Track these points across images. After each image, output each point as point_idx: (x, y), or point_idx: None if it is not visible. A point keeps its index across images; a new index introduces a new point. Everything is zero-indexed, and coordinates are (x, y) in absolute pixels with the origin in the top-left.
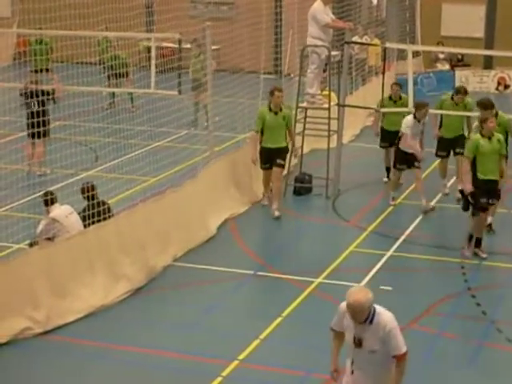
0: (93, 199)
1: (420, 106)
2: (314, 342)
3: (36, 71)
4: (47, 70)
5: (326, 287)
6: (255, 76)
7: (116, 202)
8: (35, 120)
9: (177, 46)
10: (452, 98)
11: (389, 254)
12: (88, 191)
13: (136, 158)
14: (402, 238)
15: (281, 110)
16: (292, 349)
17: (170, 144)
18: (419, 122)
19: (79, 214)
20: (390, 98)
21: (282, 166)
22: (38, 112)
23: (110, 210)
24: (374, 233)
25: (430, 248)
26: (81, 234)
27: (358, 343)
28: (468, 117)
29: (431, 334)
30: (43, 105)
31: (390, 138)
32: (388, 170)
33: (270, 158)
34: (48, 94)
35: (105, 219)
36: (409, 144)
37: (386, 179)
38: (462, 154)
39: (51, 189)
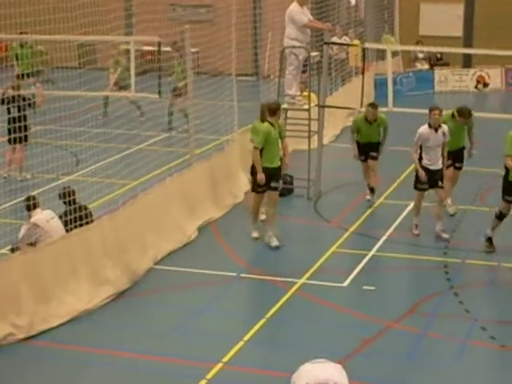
0: (74, 204)
1: (431, 110)
2: (298, 342)
3: (22, 76)
4: (33, 75)
5: (309, 288)
6: (234, 78)
7: (98, 206)
8: (14, 125)
9: (156, 48)
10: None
11: (371, 253)
12: (69, 196)
13: (116, 162)
14: (384, 237)
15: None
16: (276, 350)
17: (150, 147)
18: (436, 131)
19: (60, 217)
20: (366, 119)
21: (278, 189)
22: (17, 117)
23: (91, 215)
24: (355, 233)
25: (412, 247)
26: (63, 238)
27: None
28: (470, 129)
29: (415, 333)
30: (23, 110)
31: (364, 150)
32: (371, 188)
33: (268, 179)
34: (27, 99)
35: (87, 223)
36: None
37: (368, 197)
38: (461, 168)
39: (33, 194)
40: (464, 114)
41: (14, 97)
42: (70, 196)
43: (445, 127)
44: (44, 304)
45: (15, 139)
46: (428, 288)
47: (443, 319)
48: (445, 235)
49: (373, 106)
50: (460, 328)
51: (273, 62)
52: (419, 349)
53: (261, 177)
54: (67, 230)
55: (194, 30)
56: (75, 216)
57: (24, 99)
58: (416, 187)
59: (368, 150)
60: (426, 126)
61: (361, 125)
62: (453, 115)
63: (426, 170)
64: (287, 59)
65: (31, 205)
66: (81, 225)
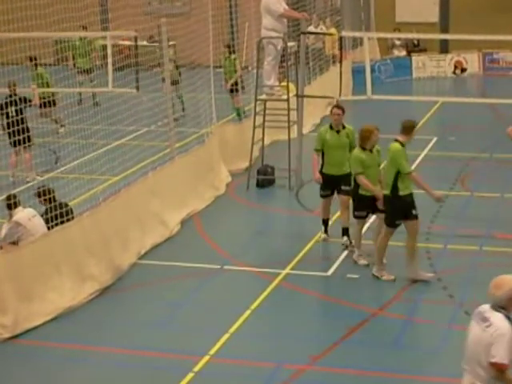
0: (50, 202)
1: None
2: (284, 333)
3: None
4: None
5: (293, 278)
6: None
7: (79, 203)
8: (15, 128)
9: (133, 43)
10: None
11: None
12: (44, 195)
13: (97, 158)
14: (367, 225)
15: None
16: (262, 341)
17: (130, 142)
18: None
19: (42, 215)
20: (331, 127)
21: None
22: (17, 119)
23: (72, 212)
24: (338, 222)
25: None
26: (45, 236)
27: None
28: None
29: (400, 319)
30: (22, 112)
31: (332, 183)
32: (326, 223)
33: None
34: (26, 100)
35: (68, 220)
36: None
37: (323, 235)
38: None
39: (13, 192)
40: None
41: (12, 98)
42: (46, 195)
43: None
44: (28, 302)
45: (18, 141)
46: None
47: (427, 305)
48: None
49: (338, 107)
50: (444, 313)
51: (250, 53)
52: (405, 335)
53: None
54: (48, 228)
55: (170, 24)
56: (56, 213)
57: (24, 100)
58: None
59: (338, 182)
60: None
61: (326, 136)
62: None
63: None
64: (265, 50)
65: (12, 203)
66: (62, 222)
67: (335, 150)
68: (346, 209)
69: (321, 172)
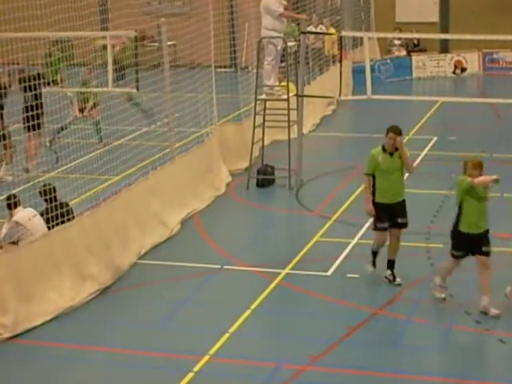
0: (55, 201)
1: None
2: (284, 333)
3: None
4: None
5: (294, 278)
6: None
7: (79, 203)
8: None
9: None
10: None
11: (354, 241)
12: (49, 193)
13: (97, 158)
14: (367, 225)
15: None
16: (262, 341)
17: (130, 142)
18: None
19: (41, 215)
20: (384, 149)
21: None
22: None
23: (72, 212)
24: (338, 221)
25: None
26: (45, 236)
27: None
28: None
29: (400, 319)
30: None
31: (389, 214)
32: (375, 255)
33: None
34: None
35: (68, 220)
36: None
37: (371, 268)
38: None
39: (13, 192)
40: None
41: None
42: (50, 193)
43: None
44: (28, 302)
45: (29, 128)
46: (412, 274)
47: (428, 305)
48: None
49: (396, 132)
50: (445, 313)
51: (250, 53)
52: (405, 335)
53: None
54: (49, 228)
55: (170, 24)
56: (56, 213)
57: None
58: None
59: (393, 212)
60: None
61: (378, 160)
62: None
63: None
64: (265, 50)
65: (12, 203)
66: (62, 222)
67: (389, 174)
68: (398, 240)
69: (374, 202)
